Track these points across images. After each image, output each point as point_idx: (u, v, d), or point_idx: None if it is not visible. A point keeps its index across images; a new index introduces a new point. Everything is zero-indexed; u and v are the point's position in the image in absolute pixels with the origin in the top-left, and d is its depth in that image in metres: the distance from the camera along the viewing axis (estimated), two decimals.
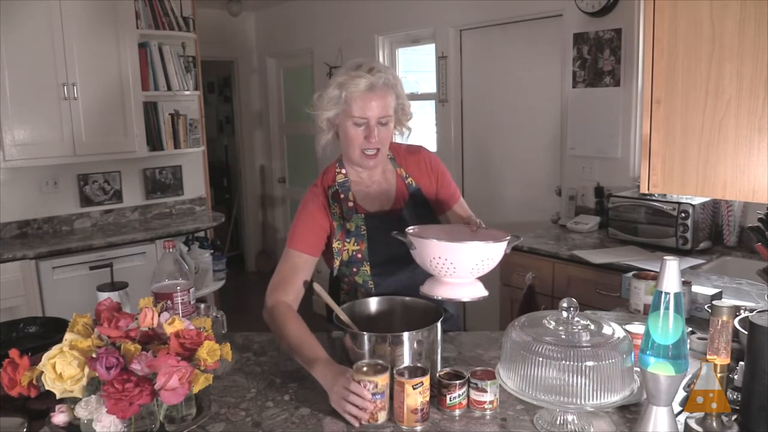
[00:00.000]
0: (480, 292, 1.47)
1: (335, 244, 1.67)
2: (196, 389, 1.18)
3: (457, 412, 1.35)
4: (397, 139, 1.81)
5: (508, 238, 1.48)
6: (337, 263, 1.70)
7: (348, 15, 4.95)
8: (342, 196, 1.69)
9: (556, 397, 1.19)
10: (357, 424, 1.29)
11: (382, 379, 1.30)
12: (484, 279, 1.53)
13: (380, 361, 1.35)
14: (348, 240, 1.67)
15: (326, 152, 1.74)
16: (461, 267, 1.40)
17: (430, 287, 1.48)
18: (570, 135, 3.57)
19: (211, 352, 1.21)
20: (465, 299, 1.46)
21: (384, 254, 1.65)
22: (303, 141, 5.92)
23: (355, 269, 1.70)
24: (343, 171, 1.74)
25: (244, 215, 6.63)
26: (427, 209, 1.76)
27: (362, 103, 1.59)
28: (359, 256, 1.68)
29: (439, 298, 1.46)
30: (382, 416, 1.31)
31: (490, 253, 1.42)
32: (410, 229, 1.52)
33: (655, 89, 1.43)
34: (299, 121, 5.97)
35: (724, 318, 1.19)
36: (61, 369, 1.13)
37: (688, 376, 1.24)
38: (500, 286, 3.28)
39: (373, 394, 1.29)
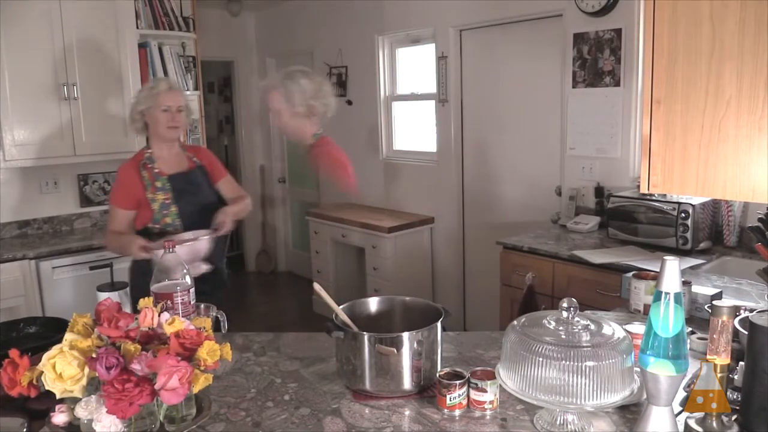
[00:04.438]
0: (202, 268, 2.24)
1: (149, 195, 2.40)
2: (196, 389, 1.18)
3: (457, 412, 1.35)
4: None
5: (206, 236, 2.28)
6: (152, 207, 2.39)
7: (348, 15, 4.95)
8: (149, 165, 2.45)
9: (556, 397, 1.19)
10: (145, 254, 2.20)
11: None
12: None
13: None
14: (158, 192, 2.41)
15: (138, 136, 2.68)
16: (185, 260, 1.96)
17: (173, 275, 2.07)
18: (570, 135, 3.57)
19: (211, 352, 1.21)
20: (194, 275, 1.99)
21: (184, 199, 2.44)
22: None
23: (165, 212, 2.40)
24: (149, 150, 2.50)
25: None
26: (207, 177, 2.58)
27: (167, 96, 2.43)
28: (167, 201, 2.41)
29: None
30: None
31: (195, 248, 2.23)
32: (157, 242, 2.22)
33: (655, 89, 1.43)
34: None
35: (724, 318, 1.19)
36: (61, 369, 1.13)
37: (688, 376, 1.24)
38: (500, 286, 3.28)
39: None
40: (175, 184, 2.45)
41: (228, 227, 2.39)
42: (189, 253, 2.16)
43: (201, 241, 2.26)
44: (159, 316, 1.26)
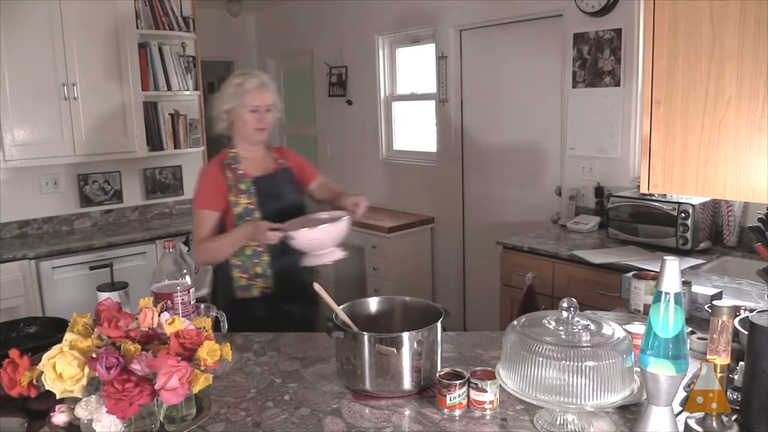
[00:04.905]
0: (336, 255, 2.05)
1: (231, 198, 2.18)
2: (196, 389, 1.18)
3: (457, 412, 1.35)
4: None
5: (346, 216, 2.06)
6: (234, 212, 2.18)
7: (348, 15, 4.95)
8: (233, 166, 2.23)
9: (556, 397, 1.19)
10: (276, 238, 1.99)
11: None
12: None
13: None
14: (241, 195, 2.18)
15: (222, 135, 2.35)
16: (324, 242, 2.01)
17: (306, 261, 2.05)
18: (570, 135, 3.57)
19: (211, 352, 1.21)
20: (329, 262, 2.04)
21: (268, 204, 2.20)
22: (303, 141, 5.92)
23: (248, 218, 2.17)
24: (233, 150, 2.28)
25: None
26: (293, 179, 2.35)
27: (256, 95, 2.20)
28: (251, 206, 2.18)
29: (311, 265, 2.07)
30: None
31: (337, 229, 2.01)
32: (287, 223, 2.06)
33: (655, 89, 1.43)
34: (299, 121, 5.97)
35: (724, 318, 1.19)
36: (61, 369, 1.13)
37: (688, 376, 1.24)
38: (500, 286, 3.28)
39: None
40: (260, 187, 2.21)
41: (362, 209, 2.18)
42: (333, 234, 2.00)
43: (342, 222, 2.02)
44: (159, 316, 1.26)
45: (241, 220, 2.17)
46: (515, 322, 1.30)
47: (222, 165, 2.24)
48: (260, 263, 2.19)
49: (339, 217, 2.07)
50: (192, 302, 1.70)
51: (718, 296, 1.89)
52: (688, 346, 1.21)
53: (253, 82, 2.21)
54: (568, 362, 1.17)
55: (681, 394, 1.29)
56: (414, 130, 4.79)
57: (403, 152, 4.84)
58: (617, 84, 3.30)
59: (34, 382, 1.18)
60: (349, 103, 5.04)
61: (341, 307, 1.54)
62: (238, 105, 2.20)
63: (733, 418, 1.23)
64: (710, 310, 1.28)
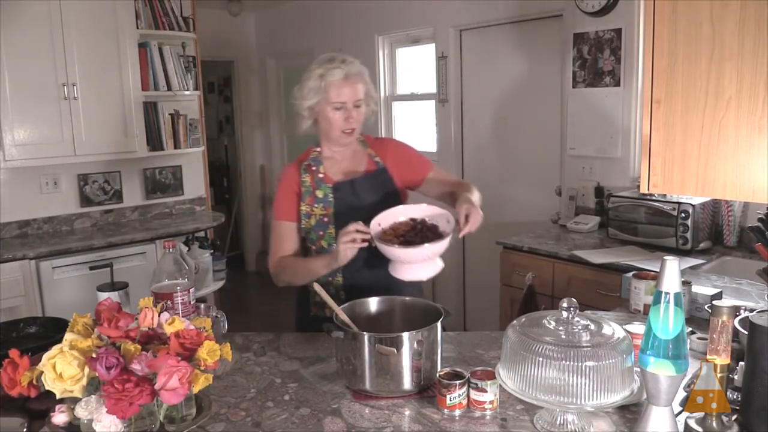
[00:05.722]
0: (436, 269, 1.70)
1: (303, 208, 1.88)
2: (196, 389, 1.18)
3: (457, 412, 1.35)
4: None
5: (449, 234, 1.68)
6: (305, 224, 1.89)
7: (348, 15, 4.95)
8: (314, 168, 1.92)
9: (556, 397, 1.19)
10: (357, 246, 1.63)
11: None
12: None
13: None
14: (316, 205, 1.87)
15: (307, 135, 1.98)
16: (415, 260, 1.66)
17: (394, 270, 1.69)
18: (570, 135, 3.57)
19: (211, 352, 1.21)
20: (424, 278, 1.69)
21: (347, 218, 1.74)
22: (303, 141, 5.92)
23: (321, 233, 1.87)
24: (318, 149, 1.96)
25: (244, 215, 6.63)
26: (391, 184, 1.94)
27: (340, 90, 1.82)
28: (325, 219, 1.86)
29: (404, 279, 1.69)
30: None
31: (436, 249, 1.64)
32: (378, 217, 1.72)
33: (655, 89, 1.43)
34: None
35: (724, 318, 1.19)
36: (61, 369, 1.13)
37: (688, 376, 1.23)
38: (500, 286, 3.28)
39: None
40: (341, 195, 1.87)
41: (472, 227, 1.71)
42: (427, 253, 1.65)
43: (439, 244, 1.65)
44: (159, 316, 1.26)
45: (313, 235, 1.86)
46: (515, 322, 1.30)
47: (300, 166, 1.93)
48: (333, 282, 1.88)
49: (436, 218, 1.72)
50: (192, 302, 1.70)
51: (718, 296, 1.89)
52: (688, 346, 1.21)
53: (337, 74, 1.81)
54: (568, 362, 1.17)
55: (681, 394, 1.29)
56: (414, 130, 4.79)
57: None
58: (617, 84, 3.30)
59: (34, 382, 1.18)
60: None
61: (341, 307, 1.54)
62: (321, 101, 1.85)
63: (733, 418, 1.23)
64: (710, 310, 1.28)
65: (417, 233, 1.70)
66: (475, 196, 1.84)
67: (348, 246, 1.63)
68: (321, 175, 1.90)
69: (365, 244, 1.64)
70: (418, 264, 1.66)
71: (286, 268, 1.86)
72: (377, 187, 1.90)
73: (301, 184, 1.89)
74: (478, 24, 4.02)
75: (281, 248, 1.88)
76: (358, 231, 1.63)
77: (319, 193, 1.87)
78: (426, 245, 1.61)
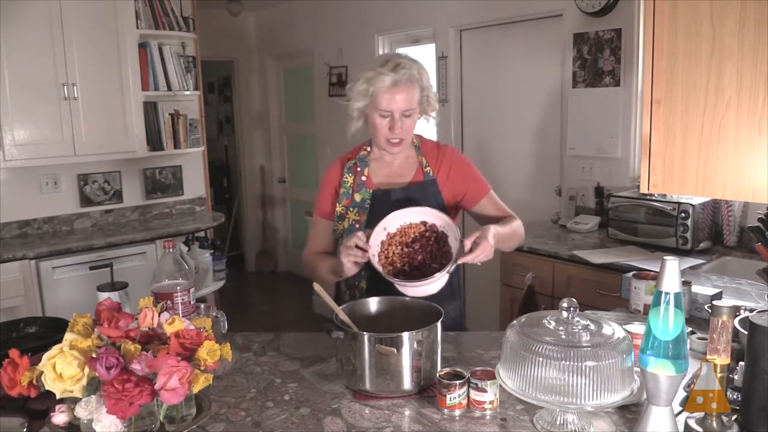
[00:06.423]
0: (441, 282, 1.64)
1: (338, 209, 1.81)
2: (196, 389, 1.18)
3: (457, 412, 1.35)
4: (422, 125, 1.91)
5: (452, 260, 1.61)
6: (338, 227, 1.83)
7: (348, 15, 4.95)
8: (358, 169, 1.83)
9: (556, 397, 1.19)
10: (355, 262, 1.58)
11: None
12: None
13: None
14: (352, 209, 1.80)
15: (355, 139, 1.87)
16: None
17: (403, 289, 1.64)
18: (570, 135, 3.57)
19: (211, 352, 1.21)
20: (433, 292, 1.63)
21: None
22: (303, 141, 5.92)
23: None
24: (368, 148, 1.88)
25: (244, 215, 6.63)
26: (438, 198, 1.83)
27: (388, 97, 1.71)
28: (357, 226, 1.78)
29: (409, 296, 1.64)
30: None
31: (436, 285, 1.61)
32: (382, 220, 1.65)
33: (655, 89, 1.43)
34: (299, 121, 5.97)
35: (724, 318, 1.19)
36: (61, 369, 1.13)
37: (688, 376, 1.24)
38: (500, 286, 3.28)
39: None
40: (378, 202, 1.77)
41: (477, 257, 1.56)
42: (432, 286, 1.60)
43: (436, 280, 1.59)
44: (159, 316, 1.26)
45: (345, 239, 1.70)
46: (515, 322, 1.30)
47: (345, 165, 1.85)
48: (358, 287, 1.82)
49: (447, 228, 1.64)
50: (192, 302, 1.70)
51: (718, 296, 1.89)
52: (688, 346, 1.21)
53: (386, 80, 1.69)
54: (568, 362, 1.17)
55: (681, 394, 1.29)
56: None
57: None
58: (617, 84, 3.30)
59: (34, 382, 1.18)
60: None
61: (341, 307, 1.54)
62: (369, 104, 1.75)
63: (733, 418, 1.23)
64: (710, 310, 1.28)
65: (422, 246, 1.65)
66: (504, 230, 1.72)
67: (350, 260, 1.60)
68: (363, 178, 1.82)
69: (365, 260, 1.60)
70: (424, 283, 1.62)
71: (308, 265, 1.89)
72: (424, 197, 1.78)
73: (341, 183, 1.82)
74: (478, 24, 4.03)
75: (313, 243, 1.90)
76: (357, 247, 1.57)
77: (357, 197, 1.79)
78: (424, 281, 1.58)
